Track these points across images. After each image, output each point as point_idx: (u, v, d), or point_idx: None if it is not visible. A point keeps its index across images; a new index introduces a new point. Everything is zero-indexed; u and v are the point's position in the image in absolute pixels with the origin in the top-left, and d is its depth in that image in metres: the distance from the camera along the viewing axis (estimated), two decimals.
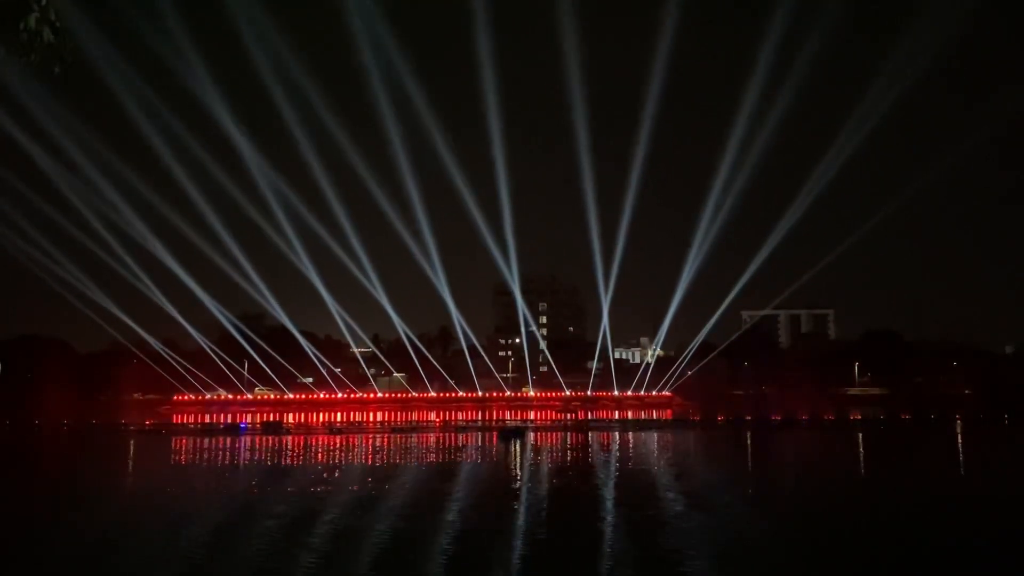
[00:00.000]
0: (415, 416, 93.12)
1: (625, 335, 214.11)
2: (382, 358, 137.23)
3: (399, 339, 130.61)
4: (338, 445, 52.79)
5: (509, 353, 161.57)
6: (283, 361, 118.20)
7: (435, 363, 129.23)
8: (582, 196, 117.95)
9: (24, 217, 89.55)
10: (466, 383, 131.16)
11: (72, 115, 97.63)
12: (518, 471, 37.11)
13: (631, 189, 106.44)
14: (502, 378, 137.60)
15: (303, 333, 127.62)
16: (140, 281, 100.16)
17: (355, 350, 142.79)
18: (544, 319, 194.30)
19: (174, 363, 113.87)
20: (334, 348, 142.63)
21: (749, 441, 55.11)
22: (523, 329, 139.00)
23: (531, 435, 59.87)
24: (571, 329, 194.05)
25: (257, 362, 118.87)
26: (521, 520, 22.85)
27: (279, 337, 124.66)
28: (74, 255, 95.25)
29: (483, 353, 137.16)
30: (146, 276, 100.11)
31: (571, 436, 59.83)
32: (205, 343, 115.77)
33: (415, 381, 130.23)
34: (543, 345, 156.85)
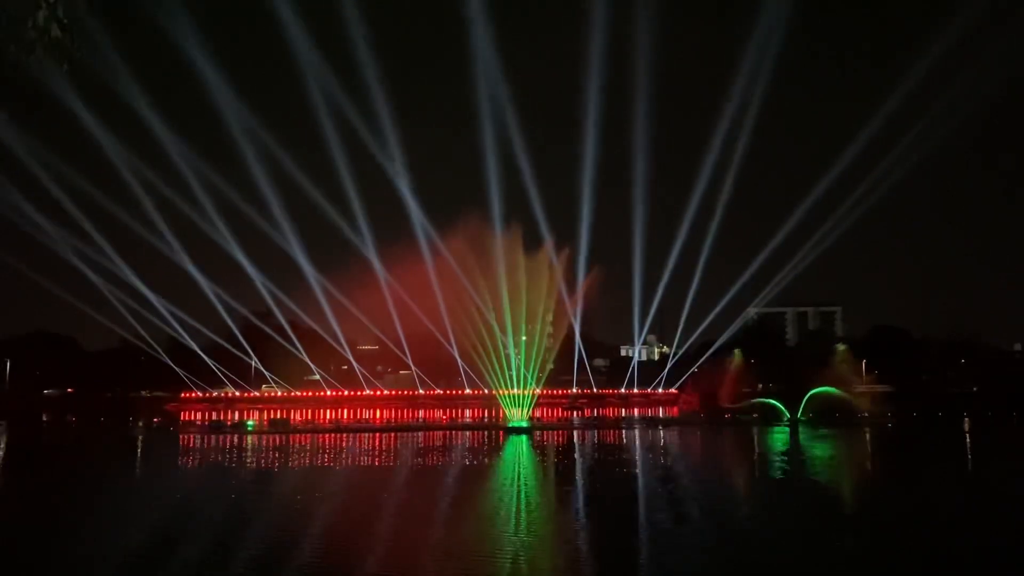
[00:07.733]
0: (422, 414, 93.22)
1: (632, 332, 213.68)
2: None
3: (408, 336, 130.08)
4: (346, 443, 52.88)
5: (516, 351, 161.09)
6: (295, 350, 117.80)
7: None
8: (593, 194, 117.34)
9: (32, 214, 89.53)
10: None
11: (79, 113, 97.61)
12: (524, 470, 37.11)
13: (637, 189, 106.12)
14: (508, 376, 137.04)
15: (310, 330, 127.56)
16: (148, 278, 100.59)
17: (358, 349, 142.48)
18: (551, 316, 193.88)
19: (182, 360, 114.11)
20: (342, 345, 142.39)
21: (755, 439, 55.00)
22: (526, 326, 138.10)
23: (537, 434, 59.94)
24: None
25: (264, 359, 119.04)
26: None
27: (286, 334, 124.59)
28: (81, 252, 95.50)
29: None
30: (154, 274, 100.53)
31: (577, 434, 59.84)
32: (212, 341, 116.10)
33: (422, 378, 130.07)
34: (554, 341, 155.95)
